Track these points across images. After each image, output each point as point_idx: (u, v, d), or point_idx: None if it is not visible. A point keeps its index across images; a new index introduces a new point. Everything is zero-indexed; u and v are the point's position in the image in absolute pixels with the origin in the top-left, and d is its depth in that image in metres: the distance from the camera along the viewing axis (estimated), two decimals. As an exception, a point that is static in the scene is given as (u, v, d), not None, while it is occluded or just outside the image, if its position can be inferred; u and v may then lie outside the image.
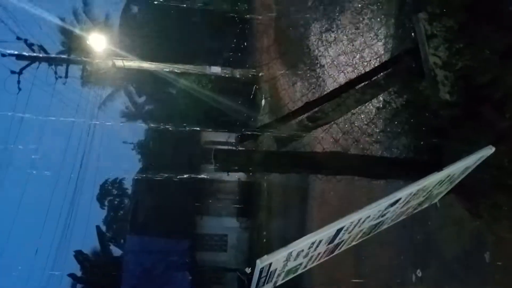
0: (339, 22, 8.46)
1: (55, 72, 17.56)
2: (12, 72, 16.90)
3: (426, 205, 4.00)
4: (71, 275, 23.78)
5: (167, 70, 19.80)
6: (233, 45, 21.56)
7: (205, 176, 19.88)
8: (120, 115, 28.50)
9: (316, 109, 5.45)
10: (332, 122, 6.06)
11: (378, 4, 6.82)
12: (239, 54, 20.45)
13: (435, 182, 3.62)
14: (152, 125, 24.42)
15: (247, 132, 5.40)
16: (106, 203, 30.07)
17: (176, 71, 20.07)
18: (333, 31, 8.80)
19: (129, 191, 29.00)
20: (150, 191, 21.97)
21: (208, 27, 21.97)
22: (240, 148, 5.06)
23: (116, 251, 26.69)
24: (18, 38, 16.51)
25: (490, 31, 4.35)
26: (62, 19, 22.84)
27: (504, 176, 4.55)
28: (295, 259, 2.59)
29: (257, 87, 18.99)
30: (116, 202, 30.28)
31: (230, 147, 20.31)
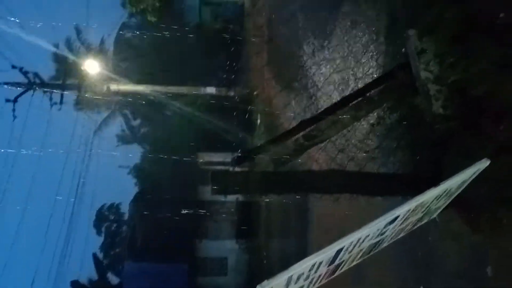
0: (331, 40, 8.57)
1: (50, 99, 17.60)
2: (7, 100, 16.91)
3: (425, 221, 3.95)
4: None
5: (162, 92, 19.90)
6: (227, 66, 21.77)
7: (203, 199, 19.73)
8: (115, 139, 28.45)
9: (312, 127, 5.45)
10: (328, 140, 6.05)
11: (369, 21, 6.92)
12: (233, 74, 20.62)
13: (433, 197, 3.58)
14: (150, 155, 24.42)
15: (243, 154, 5.37)
16: (103, 229, 29.63)
17: (171, 93, 20.18)
18: (325, 50, 8.90)
19: (126, 216, 28.66)
20: (147, 215, 21.72)
21: (201, 48, 22.21)
22: (237, 170, 5.01)
23: (114, 279, 26.18)
24: (13, 67, 16.59)
25: (486, 42, 4.39)
26: (57, 46, 23.03)
27: (503, 189, 4.52)
28: (295, 282, 2.52)
29: (252, 106, 19.07)
30: (113, 228, 29.86)
31: (227, 167, 20.24)
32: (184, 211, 19.75)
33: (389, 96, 5.73)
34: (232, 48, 20.54)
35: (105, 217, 30.08)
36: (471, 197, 4.45)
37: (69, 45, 22.54)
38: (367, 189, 5.39)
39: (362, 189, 5.42)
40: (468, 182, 3.78)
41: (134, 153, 28.04)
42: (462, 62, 4.60)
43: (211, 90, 19.79)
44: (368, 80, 6.63)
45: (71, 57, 20.34)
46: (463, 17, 4.60)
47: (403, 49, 5.79)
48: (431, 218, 4.05)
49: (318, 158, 6.94)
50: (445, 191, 3.65)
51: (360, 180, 5.45)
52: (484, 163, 3.72)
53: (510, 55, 4.07)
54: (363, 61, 7.09)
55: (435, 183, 3.29)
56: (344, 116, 5.35)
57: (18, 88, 17.16)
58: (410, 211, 3.29)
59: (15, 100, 16.79)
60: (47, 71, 21.83)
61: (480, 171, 3.74)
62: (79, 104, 20.04)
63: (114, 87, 18.19)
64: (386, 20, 6.35)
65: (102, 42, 23.66)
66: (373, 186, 5.36)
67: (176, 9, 26.39)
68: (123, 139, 27.87)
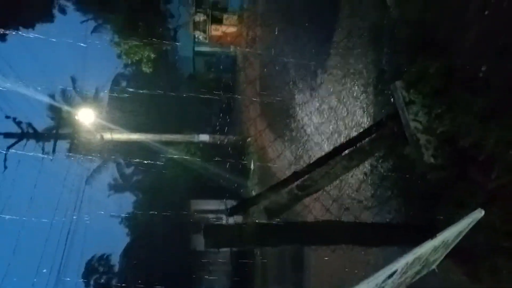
0: (321, 92, 8.82)
1: (43, 148, 17.57)
2: (-2, 151, 16.85)
3: (424, 273, 3.88)
4: None
5: (156, 140, 20.00)
6: (220, 114, 22.12)
7: (197, 249, 19.25)
8: (108, 188, 28.15)
9: (305, 177, 5.45)
10: (322, 190, 6.04)
11: (357, 73, 7.17)
12: (227, 123, 20.91)
13: (430, 249, 3.54)
14: (142, 203, 24.09)
15: (236, 205, 5.32)
16: (91, 282, 28.48)
17: (164, 141, 20.28)
18: (316, 101, 9.13)
19: (116, 268, 27.72)
20: (138, 266, 21.03)
21: (195, 97, 22.63)
22: (230, 222, 4.94)
23: None
24: (7, 117, 16.70)
25: (468, 96, 4.54)
26: (52, 96, 23.35)
27: (500, 238, 4.48)
28: None
29: (246, 154, 19.17)
30: (102, 281, 28.72)
31: (220, 219, 19.96)
32: (177, 262, 19.17)
33: (380, 146, 5.80)
34: (225, 98, 21.01)
35: (95, 269, 29.00)
36: (469, 247, 4.40)
37: (64, 95, 22.91)
38: (363, 239, 5.32)
39: (358, 240, 5.35)
40: (465, 232, 3.76)
41: (127, 202, 27.65)
42: (448, 114, 4.72)
43: (204, 137, 19.94)
44: (359, 130, 6.75)
45: (65, 107, 20.57)
46: (446, 72, 4.78)
47: (392, 99, 5.95)
48: (430, 269, 3.98)
49: (312, 208, 6.89)
50: (442, 243, 3.61)
51: (356, 230, 5.39)
52: (478, 213, 3.72)
53: (492, 108, 4.20)
54: (353, 111, 7.26)
55: (430, 232, 3.27)
56: (337, 166, 5.38)
57: (11, 139, 17.17)
58: (408, 264, 3.24)
59: (7, 151, 16.72)
60: (41, 120, 21.98)
61: (475, 221, 3.73)
62: (71, 153, 19.99)
63: (107, 135, 18.27)
64: (374, 72, 6.57)
65: (97, 91, 24.10)
66: (369, 237, 5.29)
67: (170, 60, 27.21)
68: (115, 188, 27.60)
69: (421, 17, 5.41)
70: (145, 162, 24.28)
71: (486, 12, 4.54)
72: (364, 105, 6.85)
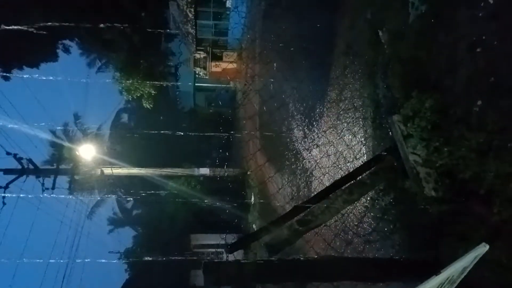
0: (320, 126, 8.93)
1: (42, 184, 17.52)
2: (-2, 187, 16.78)
3: (430, 310, 3.79)
4: None
5: (156, 174, 20.00)
6: (221, 149, 22.25)
7: (196, 286, 18.78)
8: (107, 223, 27.83)
9: (305, 212, 5.43)
10: (323, 225, 5.99)
11: (354, 107, 7.29)
12: (227, 156, 20.99)
13: (436, 286, 3.48)
14: (142, 238, 23.66)
15: (236, 242, 5.27)
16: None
17: (165, 175, 20.27)
18: (315, 135, 9.23)
19: (115, 306, 26.95)
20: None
21: (196, 130, 22.83)
22: (230, 259, 4.88)
23: None
24: (8, 153, 16.75)
25: (464, 130, 4.60)
26: (53, 132, 23.54)
27: (506, 273, 4.41)
28: None
29: (246, 188, 19.12)
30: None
31: (220, 250, 19.62)
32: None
33: (380, 179, 5.81)
34: (225, 133, 21.20)
35: (92, 308, 28.20)
36: (475, 282, 4.32)
37: (66, 131, 23.11)
38: (366, 275, 5.23)
39: (361, 276, 5.26)
40: (470, 268, 3.71)
41: (126, 236, 27.25)
42: (446, 147, 4.77)
43: (205, 171, 19.97)
44: (358, 163, 6.78)
45: (67, 142, 20.71)
46: (441, 107, 4.87)
47: (390, 133, 6.02)
48: (437, 306, 3.89)
49: (314, 244, 6.80)
50: (447, 279, 3.56)
51: (359, 266, 5.31)
52: (483, 248, 3.69)
53: (488, 142, 4.24)
54: (352, 144, 7.32)
55: (434, 267, 3.22)
56: (337, 200, 5.38)
57: (11, 175, 17.16)
58: (414, 302, 3.17)
59: (6, 187, 16.66)
60: (42, 156, 22.04)
61: (480, 256, 3.69)
62: (71, 188, 19.94)
63: (108, 170, 18.28)
64: (370, 106, 6.68)
65: (98, 127, 24.33)
66: (373, 272, 5.20)
67: (171, 95, 27.68)
68: (115, 223, 27.30)
69: (414, 54, 5.57)
70: (145, 196, 24.18)
71: (478, 49, 4.68)
72: (363, 139, 6.92)
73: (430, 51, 5.39)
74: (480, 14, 4.59)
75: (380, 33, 6.85)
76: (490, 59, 4.51)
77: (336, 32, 8.67)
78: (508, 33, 4.29)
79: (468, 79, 4.77)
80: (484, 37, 4.58)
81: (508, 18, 4.28)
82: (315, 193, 5.58)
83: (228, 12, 23.33)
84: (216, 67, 24.23)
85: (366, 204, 6.49)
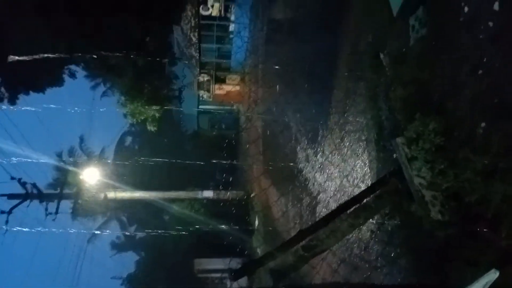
0: (324, 149, 8.91)
1: (46, 209, 17.47)
2: (2, 212, 16.74)
3: None
4: None
5: (160, 197, 19.92)
6: (224, 172, 22.20)
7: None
8: (110, 247, 27.55)
9: (311, 237, 5.35)
10: (329, 250, 5.89)
11: (358, 130, 7.28)
12: (231, 181, 20.91)
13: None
14: (144, 263, 23.39)
15: (241, 268, 5.18)
16: None
17: (168, 198, 20.18)
18: (319, 158, 9.20)
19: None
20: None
21: (199, 154, 22.86)
22: (235, 287, 4.78)
23: None
24: (12, 178, 16.80)
25: (468, 153, 4.56)
26: (58, 155, 23.64)
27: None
28: None
29: (250, 211, 18.97)
30: None
31: (224, 275, 19.28)
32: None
33: (386, 202, 5.74)
34: (229, 156, 21.19)
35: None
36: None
37: (70, 155, 23.21)
38: (374, 302, 5.10)
39: (368, 303, 5.13)
40: (482, 295, 3.61)
41: (129, 261, 26.92)
42: (451, 170, 4.72)
43: (208, 194, 19.88)
44: (363, 186, 6.72)
45: (71, 166, 20.77)
46: (445, 129, 4.85)
47: (394, 155, 5.99)
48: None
49: (320, 269, 6.67)
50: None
51: (365, 293, 5.18)
52: (493, 275, 3.60)
53: (493, 165, 4.20)
54: (356, 167, 7.27)
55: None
56: (342, 225, 5.30)
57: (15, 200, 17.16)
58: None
59: (9, 212, 16.63)
60: (46, 180, 22.06)
61: (491, 282, 3.60)
62: (74, 212, 19.86)
63: (111, 194, 18.24)
64: (374, 129, 6.67)
65: (102, 150, 24.42)
66: (380, 299, 5.07)
67: (175, 118, 27.84)
68: (118, 247, 27.03)
69: (416, 77, 5.59)
70: (149, 219, 24.00)
71: (480, 72, 4.70)
72: (367, 162, 6.88)
73: (432, 74, 5.41)
74: (481, 37, 4.63)
75: (382, 56, 6.91)
76: (492, 81, 4.52)
77: (338, 55, 8.77)
78: (509, 56, 4.31)
79: (471, 101, 4.76)
80: (485, 59, 4.60)
81: (508, 41, 4.31)
82: (320, 217, 5.51)
83: (231, 37, 23.73)
84: (219, 90, 24.48)
85: (371, 228, 6.40)
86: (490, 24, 4.43)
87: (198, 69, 23.81)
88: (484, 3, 4.54)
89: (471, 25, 4.80)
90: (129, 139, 28.90)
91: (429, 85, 5.47)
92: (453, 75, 5.06)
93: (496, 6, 4.33)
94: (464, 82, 4.88)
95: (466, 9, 4.90)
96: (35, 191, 17.53)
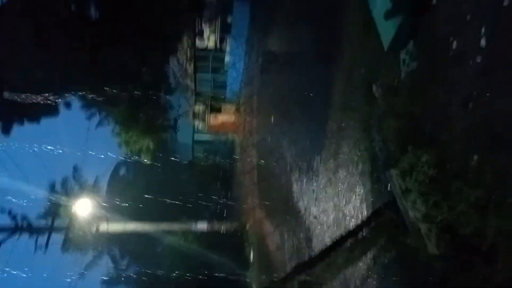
0: (318, 181, 8.90)
1: (36, 242, 17.09)
2: (-10, 245, 16.35)
3: None
4: None
5: (153, 229, 19.61)
6: (218, 202, 22.02)
7: None
8: (101, 282, 26.78)
9: (307, 272, 5.25)
10: (325, 286, 5.77)
11: (352, 161, 7.30)
12: (226, 210, 20.71)
13: None
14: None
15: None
16: None
17: (162, 230, 19.88)
18: (313, 191, 9.16)
19: None
20: None
21: (194, 184, 22.74)
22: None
23: None
24: (2, 211, 16.53)
25: (461, 185, 4.56)
26: (51, 186, 23.32)
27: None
28: None
29: (245, 243, 18.68)
30: None
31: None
32: None
33: (381, 235, 5.69)
34: (224, 186, 21.12)
35: None
36: None
37: (63, 186, 22.89)
38: None
39: None
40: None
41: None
42: (445, 202, 4.71)
43: (202, 226, 19.62)
44: (358, 219, 6.67)
45: (63, 197, 20.49)
46: (438, 161, 4.88)
47: (388, 187, 5.98)
48: None
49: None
50: None
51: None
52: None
53: (487, 197, 4.20)
54: (351, 199, 7.24)
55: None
56: (338, 259, 5.22)
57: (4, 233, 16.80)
58: None
59: (-3, 247, 16.24)
60: (36, 212, 21.66)
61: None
62: (65, 246, 19.42)
63: (103, 226, 17.93)
64: (367, 160, 6.69)
65: (96, 180, 24.16)
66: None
67: (170, 147, 27.81)
68: (109, 282, 26.25)
69: (408, 109, 5.67)
70: (141, 251, 23.49)
71: (470, 105, 4.78)
72: (362, 193, 6.85)
73: (424, 107, 5.49)
74: (470, 71, 4.74)
75: (374, 88, 7.02)
76: (483, 114, 4.59)
77: (332, 86, 8.90)
78: (498, 89, 4.40)
79: (463, 133, 4.81)
80: (475, 93, 4.69)
81: (496, 75, 4.41)
82: (316, 251, 5.43)
83: (226, 67, 24.13)
84: (214, 120, 24.64)
85: (368, 262, 6.29)
86: (478, 59, 4.54)
87: (194, 99, 24.05)
88: (471, 39, 4.68)
89: (460, 60, 4.92)
90: (123, 169, 28.70)
91: (421, 117, 5.54)
92: (445, 107, 5.13)
93: (483, 43, 4.46)
94: (456, 114, 4.95)
95: (454, 44, 5.04)
96: (25, 224, 17.19)
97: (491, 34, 4.44)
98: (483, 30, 4.53)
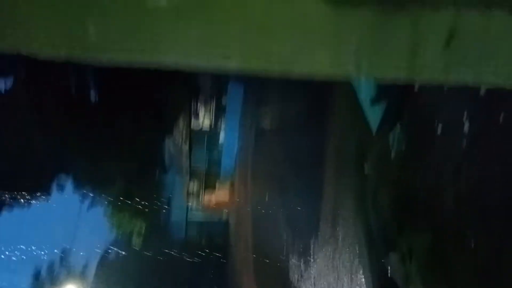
0: (316, 260, 8.62)
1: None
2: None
3: None
4: None
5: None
6: (213, 281, 20.97)
7: None
8: None
9: None
10: None
11: (348, 244, 7.14)
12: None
13: None
14: None
15: None
16: None
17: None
18: (311, 271, 8.84)
19: None
20: None
21: (187, 262, 21.84)
22: None
23: None
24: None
25: (459, 270, 4.45)
26: (37, 271, 22.26)
27: None
28: None
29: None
30: None
31: None
32: None
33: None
34: (218, 265, 20.30)
35: None
36: None
37: (50, 271, 21.89)
38: None
39: None
40: None
41: None
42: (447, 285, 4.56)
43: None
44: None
45: (48, 285, 19.41)
46: (435, 243, 4.81)
47: (389, 271, 5.80)
48: None
49: None
50: None
51: None
52: None
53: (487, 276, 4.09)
54: (349, 283, 6.97)
55: None
56: None
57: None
58: None
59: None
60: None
61: None
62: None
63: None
64: (364, 243, 6.56)
65: (85, 266, 23.16)
66: None
67: (162, 226, 27.21)
68: None
69: (400, 189, 5.72)
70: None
71: (460, 181, 4.84)
72: (361, 277, 6.61)
73: (415, 186, 5.54)
74: (456, 152, 4.87)
75: (365, 167, 7.13)
76: (475, 185, 4.64)
77: (324, 162, 8.95)
78: (484, 159, 4.51)
79: (456, 208, 4.81)
80: (463, 165, 4.78)
81: (483, 145, 4.54)
82: None
83: (221, 145, 24.55)
84: (209, 197, 24.43)
85: None
86: (464, 142, 4.71)
87: (188, 176, 24.10)
88: (454, 123, 4.88)
89: (446, 142, 5.08)
90: (113, 252, 27.74)
91: (415, 196, 5.56)
92: (436, 186, 5.18)
93: (466, 127, 4.65)
94: (448, 193, 4.98)
95: (440, 127, 5.24)
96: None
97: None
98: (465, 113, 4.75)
